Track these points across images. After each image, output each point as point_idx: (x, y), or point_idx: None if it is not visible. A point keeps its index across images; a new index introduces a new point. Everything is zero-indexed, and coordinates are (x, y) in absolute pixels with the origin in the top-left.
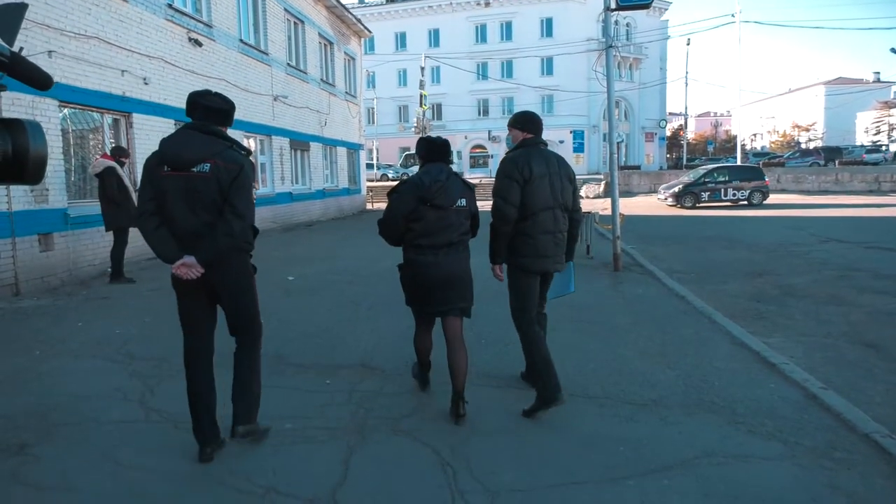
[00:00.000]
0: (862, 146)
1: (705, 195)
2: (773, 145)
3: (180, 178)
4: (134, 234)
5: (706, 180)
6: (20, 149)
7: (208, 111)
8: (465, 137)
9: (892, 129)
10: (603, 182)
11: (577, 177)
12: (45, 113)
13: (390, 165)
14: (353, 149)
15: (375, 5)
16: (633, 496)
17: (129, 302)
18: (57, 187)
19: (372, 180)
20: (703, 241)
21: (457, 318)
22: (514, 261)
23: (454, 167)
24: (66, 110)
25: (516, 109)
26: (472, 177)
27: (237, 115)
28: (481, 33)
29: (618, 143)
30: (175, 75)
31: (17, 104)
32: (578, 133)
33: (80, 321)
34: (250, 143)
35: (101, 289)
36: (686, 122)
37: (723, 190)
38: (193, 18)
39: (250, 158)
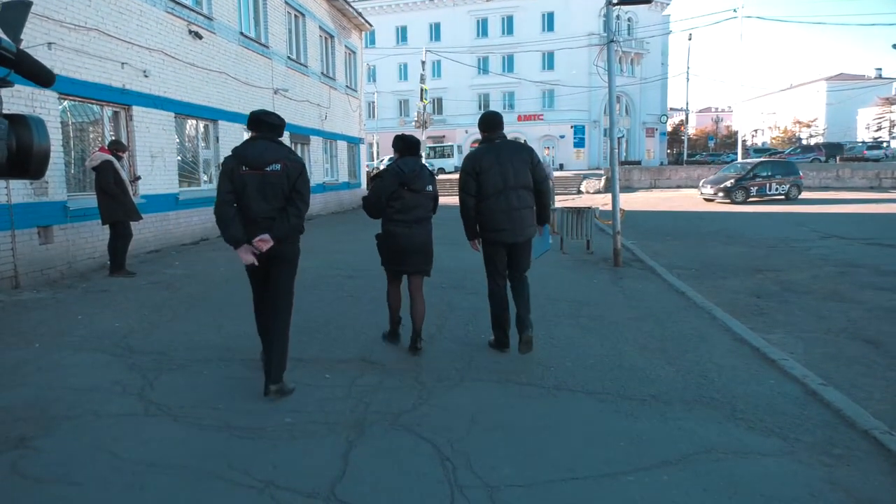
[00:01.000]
0: (863, 142)
1: (753, 190)
2: (773, 141)
3: (257, 175)
4: (133, 228)
5: (755, 174)
6: (24, 144)
7: (272, 126)
8: (466, 132)
9: (894, 126)
10: (603, 177)
11: (576, 172)
12: (44, 105)
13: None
14: (354, 143)
15: None
16: (632, 491)
17: (128, 295)
18: (56, 180)
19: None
20: (704, 237)
21: (420, 276)
22: (480, 233)
23: (423, 160)
24: (65, 102)
25: (517, 104)
26: None
27: (237, 109)
28: (482, 27)
29: (618, 138)
30: (175, 68)
31: (16, 96)
32: (579, 128)
33: (79, 314)
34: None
35: (101, 282)
36: (687, 118)
37: (768, 185)
38: (194, 11)
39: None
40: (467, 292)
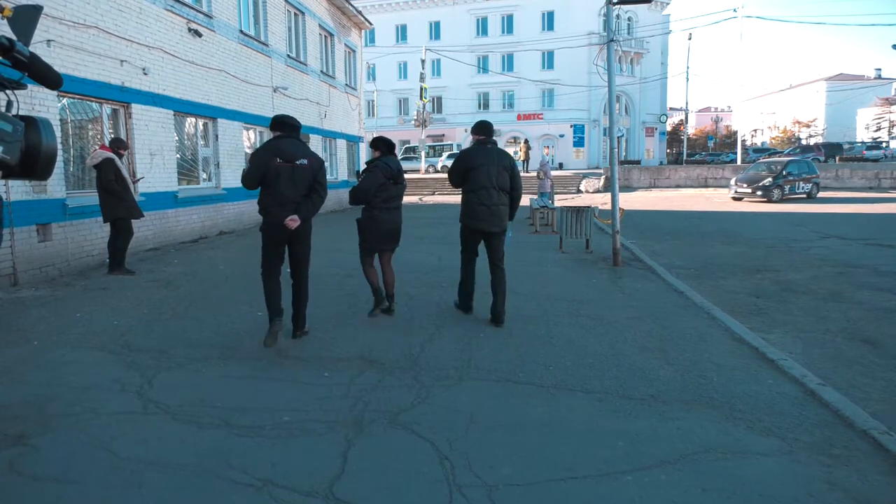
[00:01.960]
0: (862, 143)
1: (787, 188)
2: (773, 141)
3: (288, 167)
4: (133, 226)
5: (787, 173)
6: (33, 145)
7: (294, 127)
8: (465, 131)
9: (893, 126)
10: (603, 177)
11: (576, 171)
12: (43, 103)
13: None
14: (353, 141)
15: None
16: (631, 491)
17: (127, 293)
18: (55, 178)
19: None
20: (703, 237)
21: (390, 253)
22: (461, 219)
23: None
24: (64, 100)
25: (517, 103)
26: None
27: (236, 107)
28: (482, 26)
29: (618, 137)
30: (174, 66)
31: (15, 93)
32: (579, 127)
33: (78, 312)
34: (249, 134)
35: (100, 279)
36: (686, 118)
37: (796, 183)
38: (193, 9)
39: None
40: None
